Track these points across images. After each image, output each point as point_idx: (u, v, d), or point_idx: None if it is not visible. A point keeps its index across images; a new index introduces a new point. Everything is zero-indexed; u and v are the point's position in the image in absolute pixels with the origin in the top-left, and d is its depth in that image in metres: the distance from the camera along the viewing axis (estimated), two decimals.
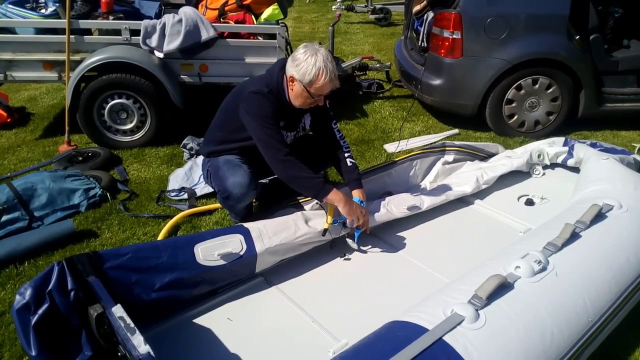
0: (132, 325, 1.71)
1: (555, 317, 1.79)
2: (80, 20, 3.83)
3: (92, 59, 3.75)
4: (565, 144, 3.47)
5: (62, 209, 3.12)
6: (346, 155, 2.74)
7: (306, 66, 2.39)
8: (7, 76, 3.91)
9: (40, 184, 3.11)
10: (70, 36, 3.78)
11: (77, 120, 3.93)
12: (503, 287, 1.81)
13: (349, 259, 2.67)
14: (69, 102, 3.83)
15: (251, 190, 2.60)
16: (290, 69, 2.45)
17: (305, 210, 2.68)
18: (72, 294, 1.99)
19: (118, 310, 1.78)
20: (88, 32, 3.96)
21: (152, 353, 1.60)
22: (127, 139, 4.05)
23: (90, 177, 3.36)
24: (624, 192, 2.54)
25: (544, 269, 1.93)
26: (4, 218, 2.92)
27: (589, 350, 1.91)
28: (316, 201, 2.68)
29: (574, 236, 2.15)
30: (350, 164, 2.71)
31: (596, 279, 2.00)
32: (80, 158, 3.72)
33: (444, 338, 1.59)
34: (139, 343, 1.63)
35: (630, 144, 4.21)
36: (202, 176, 3.50)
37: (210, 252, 2.29)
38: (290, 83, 2.49)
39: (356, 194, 2.63)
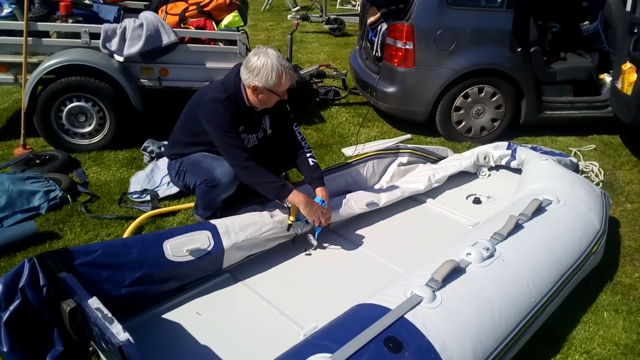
0: (110, 315, 1.77)
1: (503, 297, 1.99)
2: (38, 23, 3.80)
3: (52, 61, 3.72)
4: (508, 148, 3.73)
5: (21, 211, 3.09)
6: (307, 155, 2.87)
7: (265, 72, 2.50)
8: None
9: None
10: (28, 38, 3.75)
11: (34, 123, 3.88)
12: (456, 271, 1.99)
13: (310, 254, 2.80)
14: (26, 105, 3.78)
15: (237, 180, 2.68)
16: (250, 79, 2.54)
17: (269, 207, 2.79)
18: (44, 289, 2.02)
19: (94, 302, 1.83)
20: (46, 34, 3.93)
21: (131, 340, 1.66)
22: (85, 142, 4.03)
23: (50, 180, 3.34)
24: (562, 189, 2.80)
25: (491, 255, 2.13)
26: None
27: (533, 328, 2.12)
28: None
29: (518, 227, 2.37)
30: (312, 164, 2.84)
31: (538, 264, 2.22)
32: (38, 161, 3.68)
33: (405, 316, 1.74)
34: (118, 331, 1.69)
35: (567, 148, 4.56)
36: (163, 178, 3.56)
37: (179, 248, 2.36)
38: (254, 92, 2.59)
39: (319, 193, 2.76)
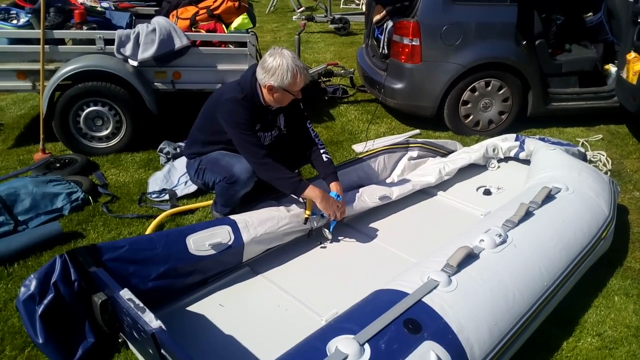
0: (142, 304, 1.86)
1: (516, 281, 2.06)
2: (54, 31, 3.91)
3: (69, 67, 3.83)
4: (516, 140, 3.79)
5: (45, 212, 3.19)
6: (321, 151, 2.96)
7: (281, 72, 2.60)
8: None
9: (23, 189, 3.18)
10: (45, 46, 3.86)
11: (53, 129, 4.00)
12: (470, 257, 2.06)
13: (325, 247, 2.88)
14: (45, 111, 3.89)
15: (254, 176, 2.78)
16: (266, 79, 2.64)
17: (285, 202, 2.87)
18: (75, 284, 2.12)
19: (126, 293, 1.93)
20: (62, 42, 4.04)
21: (163, 327, 1.75)
22: (103, 145, 4.14)
23: (71, 182, 3.45)
24: (570, 177, 2.86)
25: (504, 241, 2.20)
26: None
27: (546, 311, 2.20)
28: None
29: (528, 214, 2.44)
30: (326, 159, 2.93)
31: (549, 249, 2.29)
32: (58, 165, 3.79)
33: (423, 300, 1.82)
34: (151, 319, 1.78)
35: (574, 139, 4.61)
36: (181, 178, 3.66)
37: (202, 243, 2.44)
38: (269, 91, 2.68)
39: (333, 187, 2.85)
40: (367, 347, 1.62)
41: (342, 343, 1.62)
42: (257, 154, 2.69)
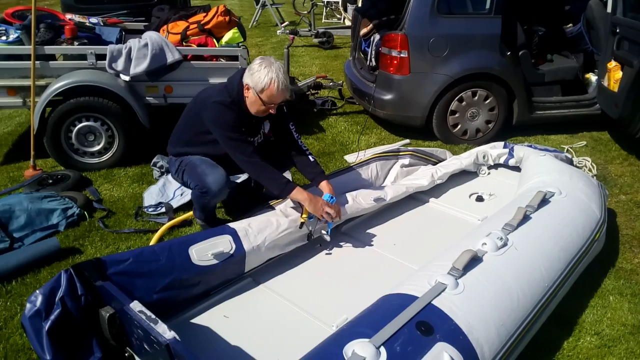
0: (154, 316, 1.86)
1: (519, 282, 2.11)
2: (45, 47, 3.90)
3: (61, 83, 3.82)
4: (504, 147, 3.87)
5: (41, 229, 3.16)
6: (307, 153, 3.01)
7: (259, 75, 2.66)
8: None
9: (18, 206, 3.15)
10: (36, 62, 3.84)
11: (44, 145, 3.97)
12: (474, 260, 2.11)
13: (324, 255, 2.90)
14: (36, 127, 3.87)
15: (227, 188, 2.87)
16: (246, 78, 2.72)
17: (282, 208, 2.86)
18: (82, 298, 2.10)
19: (137, 305, 1.92)
20: (52, 57, 4.03)
21: (177, 337, 1.75)
22: (95, 160, 4.13)
23: (66, 198, 3.42)
24: (562, 181, 2.95)
25: (505, 244, 2.26)
26: None
27: (548, 311, 2.25)
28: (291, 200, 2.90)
29: (526, 217, 2.51)
30: (312, 160, 2.98)
31: (548, 251, 2.35)
32: (51, 181, 3.76)
33: (432, 302, 1.86)
34: (164, 330, 1.78)
35: (559, 145, 4.73)
36: (176, 191, 3.66)
37: (204, 253, 2.45)
38: (246, 91, 2.75)
39: (324, 187, 2.86)
40: (382, 350, 1.65)
41: (359, 347, 1.64)
42: (245, 150, 2.74)
